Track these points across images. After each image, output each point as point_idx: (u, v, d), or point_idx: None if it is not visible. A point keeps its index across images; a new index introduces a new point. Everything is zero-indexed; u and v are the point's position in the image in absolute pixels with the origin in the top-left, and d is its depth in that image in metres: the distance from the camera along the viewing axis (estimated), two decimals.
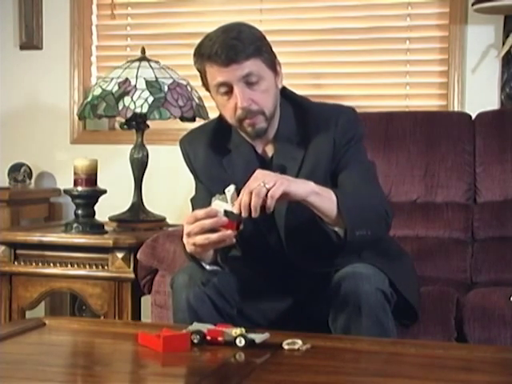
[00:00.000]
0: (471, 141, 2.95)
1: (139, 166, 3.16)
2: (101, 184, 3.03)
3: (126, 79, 3.02)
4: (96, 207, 3.04)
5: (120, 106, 2.98)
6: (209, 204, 1.88)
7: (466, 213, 2.90)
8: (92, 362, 1.77)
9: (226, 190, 1.86)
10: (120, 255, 2.88)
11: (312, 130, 2.09)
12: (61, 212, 3.77)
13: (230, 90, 2.00)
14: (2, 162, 3.78)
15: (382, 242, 2.11)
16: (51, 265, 2.97)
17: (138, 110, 2.98)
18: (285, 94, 2.14)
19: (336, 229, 1.94)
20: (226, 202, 1.85)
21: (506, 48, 3.17)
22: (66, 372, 1.67)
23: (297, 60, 3.54)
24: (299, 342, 1.73)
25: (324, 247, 2.01)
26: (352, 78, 3.51)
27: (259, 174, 1.85)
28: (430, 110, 3.33)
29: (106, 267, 2.90)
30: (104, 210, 3.10)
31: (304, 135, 2.09)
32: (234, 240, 1.85)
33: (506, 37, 3.18)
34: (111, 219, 3.13)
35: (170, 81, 3.06)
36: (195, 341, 1.74)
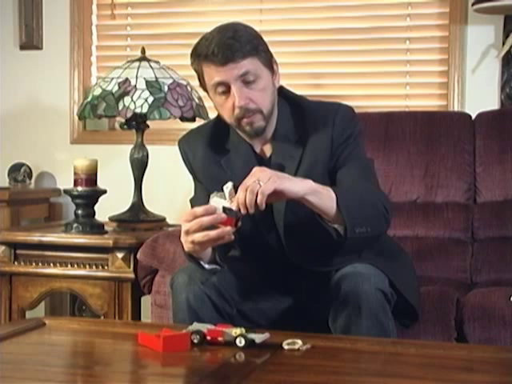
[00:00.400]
0: (471, 141, 2.95)
1: (139, 166, 3.16)
2: (101, 184, 3.03)
3: (126, 79, 3.02)
4: (96, 207, 3.04)
5: (120, 106, 2.98)
6: (207, 203, 1.88)
7: (466, 213, 2.90)
8: (92, 361, 1.78)
9: (225, 187, 1.86)
10: (120, 255, 2.88)
11: (310, 128, 2.09)
12: (61, 212, 3.77)
13: (227, 90, 2.01)
14: (2, 161, 3.78)
15: (381, 242, 2.11)
16: (51, 265, 2.97)
17: (138, 110, 2.98)
18: (282, 93, 2.14)
19: (336, 226, 1.94)
20: (225, 198, 1.85)
21: (506, 48, 3.18)
22: (66, 372, 1.67)
23: (297, 60, 3.54)
24: (299, 342, 1.73)
25: (324, 246, 2.01)
26: (352, 77, 3.51)
27: (257, 170, 1.86)
28: (430, 110, 3.33)
29: (105, 267, 2.90)
30: (104, 210, 3.10)
31: (302, 134, 2.10)
32: (233, 237, 1.85)
33: (506, 37, 3.18)
34: (111, 219, 3.13)
35: (170, 81, 3.06)
36: (195, 341, 1.74)
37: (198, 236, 1.85)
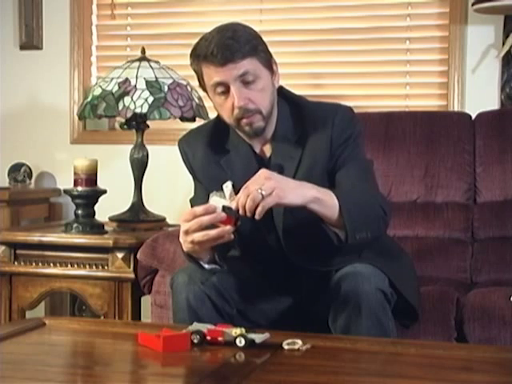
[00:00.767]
0: (471, 141, 2.95)
1: (139, 166, 3.16)
2: (101, 184, 3.03)
3: (126, 79, 3.02)
4: (96, 207, 3.04)
5: (120, 106, 2.98)
6: (207, 203, 1.88)
7: (466, 213, 2.90)
8: (92, 361, 1.78)
9: (224, 186, 1.87)
10: (120, 255, 2.88)
11: (309, 128, 2.09)
12: (61, 212, 3.77)
13: (226, 90, 2.01)
14: (2, 161, 3.78)
15: (381, 242, 2.11)
16: (51, 265, 2.97)
17: (138, 110, 2.98)
18: (282, 93, 2.14)
19: (337, 231, 1.94)
20: (224, 198, 1.85)
21: (506, 48, 3.18)
22: (66, 372, 1.67)
23: (296, 60, 3.54)
24: (299, 342, 1.73)
25: (323, 246, 2.01)
26: (352, 78, 3.51)
27: (262, 175, 1.85)
28: (430, 110, 3.33)
29: (106, 267, 2.90)
30: (104, 210, 3.10)
31: (301, 134, 2.10)
32: (232, 236, 1.86)
33: (506, 37, 3.18)
34: (111, 219, 3.13)
35: (170, 81, 3.06)
36: (195, 341, 1.74)
37: (198, 235, 1.85)
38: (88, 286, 2.93)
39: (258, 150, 2.13)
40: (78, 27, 3.76)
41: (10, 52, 3.85)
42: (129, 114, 3.00)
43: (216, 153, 2.15)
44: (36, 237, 2.97)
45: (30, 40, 3.82)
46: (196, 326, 1.78)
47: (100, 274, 2.91)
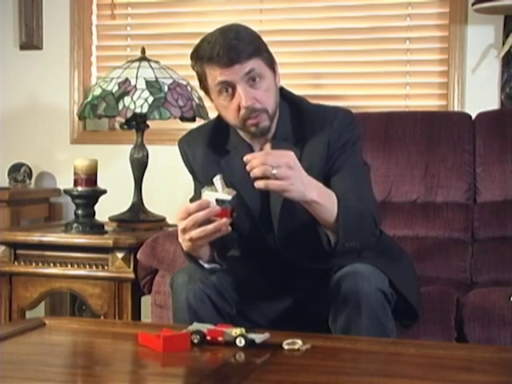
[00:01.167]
0: (471, 141, 2.95)
1: (139, 166, 3.16)
2: (101, 184, 3.03)
3: (126, 79, 3.02)
4: (96, 207, 3.04)
5: (120, 106, 2.98)
6: None
7: (466, 213, 2.90)
8: (92, 361, 1.78)
9: (214, 180, 1.86)
10: (120, 255, 2.88)
11: (308, 131, 2.09)
12: (61, 212, 3.77)
13: (232, 91, 2.00)
14: (2, 161, 3.78)
15: (381, 242, 2.11)
16: (51, 265, 2.97)
17: (138, 110, 2.98)
18: (283, 93, 2.14)
19: (329, 233, 1.95)
20: (216, 191, 1.85)
21: (506, 48, 3.18)
22: (66, 372, 1.67)
23: (297, 60, 3.54)
24: (299, 342, 1.73)
25: (318, 248, 2.01)
26: (352, 78, 3.51)
27: (287, 157, 1.82)
28: (430, 110, 3.33)
29: (106, 267, 2.90)
30: (104, 210, 3.10)
31: (300, 136, 2.09)
32: (230, 228, 1.86)
33: (506, 37, 3.18)
34: (111, 219, 3.13)
35: (170, 81, 3.06)
36: (195, 341, 1.74)
37: (195, 232, 1.85)
38: (88, 285, 2.93)
39: (257, 151, 2.13)
40: (78, 27, 3.76)
41: (10, 52, 3.85)
42: (129, 114, 3.00)
43: (216, 153, 2.15)
44: (36, 237, 2.97)
45: (30, 40, 3.82)
46: (196, 326, 1.78)
47: (100, 273, 2.91)
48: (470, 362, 1.69)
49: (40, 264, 2.98)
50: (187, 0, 3.69)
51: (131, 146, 3.18)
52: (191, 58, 2.05)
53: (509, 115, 3.01)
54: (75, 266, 2.94)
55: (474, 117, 3.00)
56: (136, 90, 3.00)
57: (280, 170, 1.80)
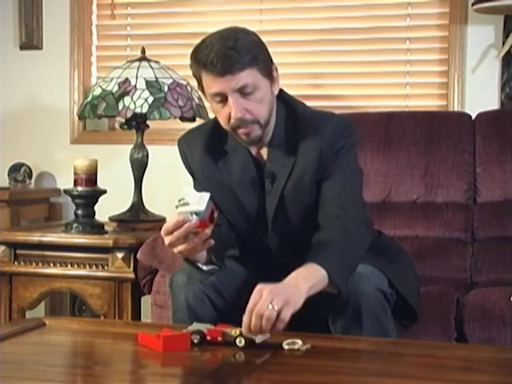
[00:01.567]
0: (471, 141, 2.95)
1: (139, 166, 3.16)
2: (101, 184, 3.03)
3: (126, 79, 3.02)
4: (96, 207, 3.04)
5: (120, 106, 2.98)
6: None
7: (466, 213, 2.90)
8: (92, 361, 1.78)
9: (182, 194, 1.84)
10: (120, 255, 2.88)
11: (302, 137, 2.07)
12: (61, 212, 3.77)
13: (224, 99, 1.99)
14: (2, 161, 3.78)
15: (381, 242, 2.11)
16: (51, 265, 2.97)
17: (138, 110, 2.98)
18: (281, 97, 2.11)
19: (329, 290, 1.90)
20: (188, 204, 1.83)
21: (506, 48, 3.18)
22: (66, 372, 1.67)
23: (296, 60, 3.54)
24: (299, 342, 1.73)
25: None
26: (352, 77, 3.51)
27: (262, 291, 1.75)
28: (430, 110, 3.33)
29: (106, 267, 2.90)
30: (104, 210, 3.10)
31: (295, 142, 2.08)
32: (212, 238, 1.86)
33: (506, 37, 3.19)
34: (111, 219, 3.13)
35: (170, 81, 3.06)
36: (195, 341, 1.74)
37: (182, 247, 1.87)
38: (88, 285, 2.93)
39: (254, 153, 2.13)
40: (78, 27, 3.76)
41: (9, 52, 3.85)
42: (129, 114, 3.00)
43: (214, 154, 2.14)
44: (36, 237, 2.97)
45: (30, 40, 3.82)
46: (196, 326, 1.78)
47: (100, 273, 2.91)
48: (469, 362, 1.69)
49: (40, 264, 2.98)
50: (187, 0, 3.69)
51: (131, 146, 3.18)
52: (190, 59, 2.04)
53: (509, 115, 3.01)
54: (75, 266, 2.94)
55: (474, 117, 3.00)
56: (136, 89, 3.00)
57: (274, 301, 1.72)
